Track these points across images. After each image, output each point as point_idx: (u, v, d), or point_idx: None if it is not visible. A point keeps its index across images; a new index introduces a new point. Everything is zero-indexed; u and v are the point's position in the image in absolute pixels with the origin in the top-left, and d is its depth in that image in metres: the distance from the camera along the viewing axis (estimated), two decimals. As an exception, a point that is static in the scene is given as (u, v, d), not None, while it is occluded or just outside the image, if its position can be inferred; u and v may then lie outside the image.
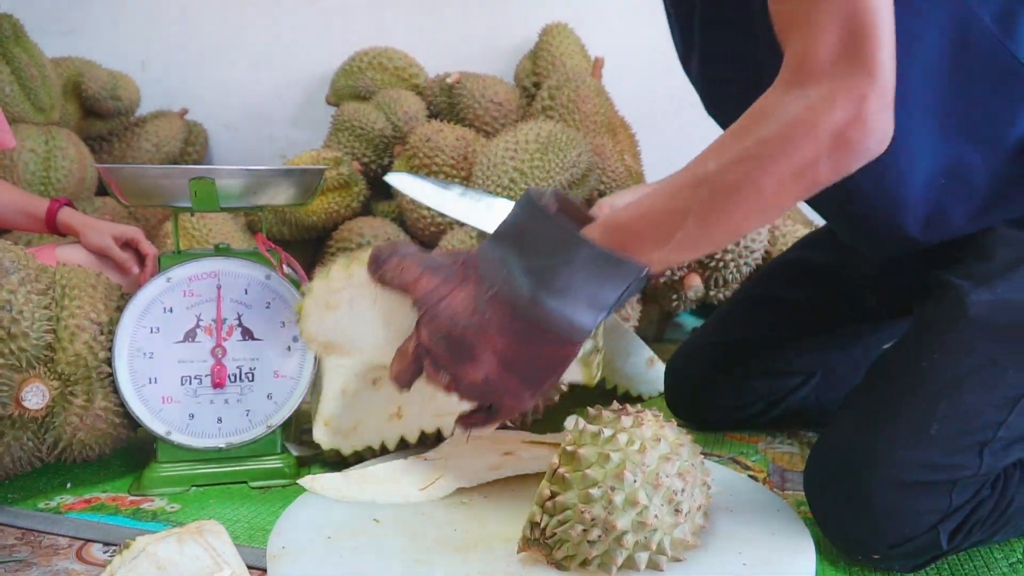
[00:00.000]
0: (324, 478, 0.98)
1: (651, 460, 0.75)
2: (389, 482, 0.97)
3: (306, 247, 2.18)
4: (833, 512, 0.86)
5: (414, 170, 2.02)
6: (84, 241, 1.47)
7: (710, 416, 1.27)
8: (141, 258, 1.50)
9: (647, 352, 1.47)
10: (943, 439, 0.81)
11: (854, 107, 0.68)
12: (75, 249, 1.48)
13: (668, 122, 2.32)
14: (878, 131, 0.69)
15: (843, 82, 0.68)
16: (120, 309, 1.07)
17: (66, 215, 1.50)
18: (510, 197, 1.77)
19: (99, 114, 2.38)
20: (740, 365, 1.22)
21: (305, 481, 0.97)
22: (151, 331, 1.07)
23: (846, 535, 0.85)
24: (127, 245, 1.49)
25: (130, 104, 2.44)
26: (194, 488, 1.08)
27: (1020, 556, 0.88)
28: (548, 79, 2.17)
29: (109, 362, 1.05)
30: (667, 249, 0.73)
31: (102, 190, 2.20)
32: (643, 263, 0.73)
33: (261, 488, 1.09)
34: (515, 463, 1.00)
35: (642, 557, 0.75)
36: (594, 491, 0.74)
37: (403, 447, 1.10)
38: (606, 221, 0.76)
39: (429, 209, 1.98)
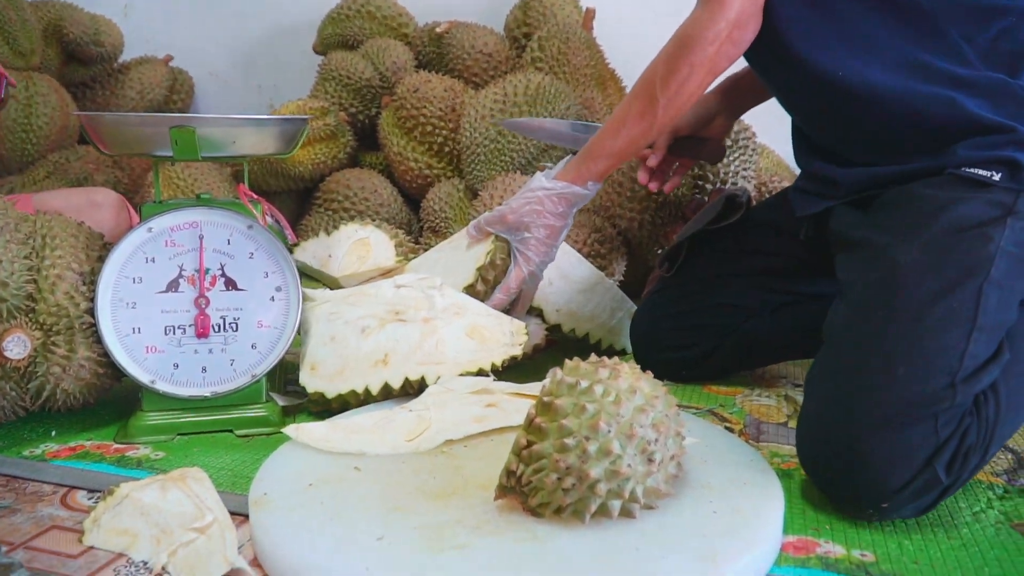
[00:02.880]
0: (309, 427, 0.98)
1: (626, 411, 0.77)
2: (374, 432, 0.98)
3: (293, 198, 2.17)
4: (831, 475, 0.89)
5: (401, 121, 2.01)
6: None
7: (671, 360, 1.30)
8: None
9: (630, 306, 1.48)
10: (912, 377, 0.85)
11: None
12: (53, 195, 1.47)
13: (658, 74, 2.29)
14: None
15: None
16: (102, 259, 1.07)
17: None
18: (497, 149, 1.77)
19: (81, 60, 2.35)
20: (690, 302, 1.30)
21: (290, 429, 0.97)
22: (133, 281, 1.07)
23: (850, 493, 0.87)
24: None
25: (113, 50, 2.41)
26: (179, 436, 1.10)
27: (983, 505, 0.91)
28: (538, 30, 2.15)
29: (91, 312, 1.05)
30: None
31: (85, 138, 2.18)
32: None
33: (246, 436, 1.10)
34: (499, 415, 1.01)
35: (615, 505, 0.76)
36: (569, 441, 0.75)
37: (386, 394, 1.11)
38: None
39: (417, 161, 1.97)
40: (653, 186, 1.37)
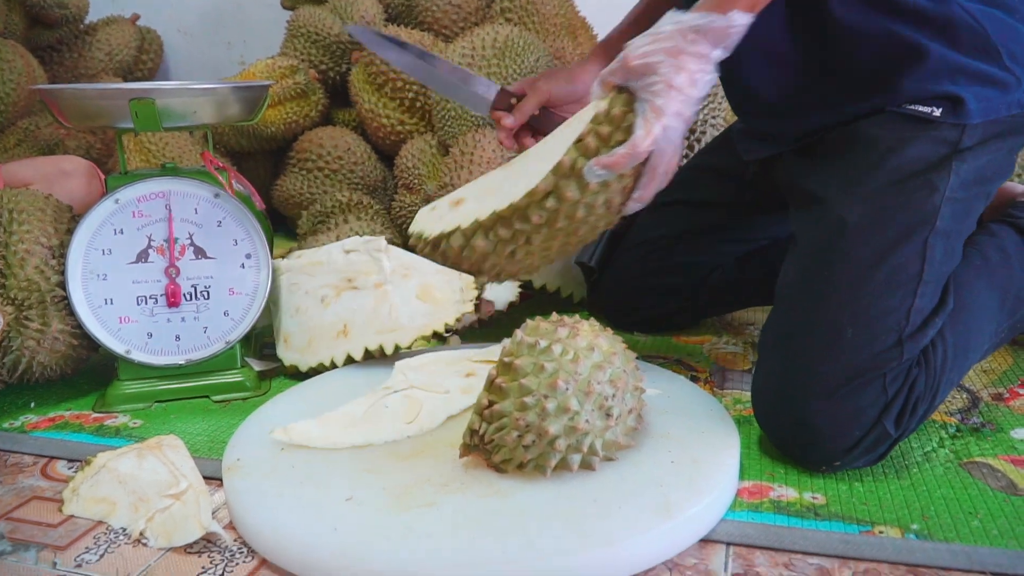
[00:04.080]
0: (300, 428, 0.91)
1: (584, 369, 0.79)
2: (372, 422, 0.94)
3: (266, 158, 2.17)
4: (784, 437, 0.91)
5: (371, 78, 2.00)
6: None
7: (643, 319, 1.33)
8: None
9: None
10: (860, 342, 0.85)
11: None
12: (21, 165, 1.47)
13: (630, 21, 2.28)
14: None
15: None
16: (70, 232, 1.08)
17: None
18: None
19: (46, 23, 2.31)
20: (652, 266, 1.29)
21: (279, 434, 0.90)
22: (103, 253, 1.09)
23: (803, 455, 0.89)
24: None
25: (78, 11, 2.36)
26: (156, 404, 1.12)
27: (935, 445, 0.94)
28: (506, -21, 2.12)
29: (63, 285, 1.07)
30: None
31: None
32: None
33: (222, 402, 1.13)
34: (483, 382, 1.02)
35: (575, 459, 0.79)
36: (528, 399, 0.78)
37: (350, 364, 1.14)
38: None
39: (389, 117, 1.97)
40: (510, 144, 1.20)
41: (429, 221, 0.99)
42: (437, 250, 0.96)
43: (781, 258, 1.04)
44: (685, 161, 1.31)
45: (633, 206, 0.90)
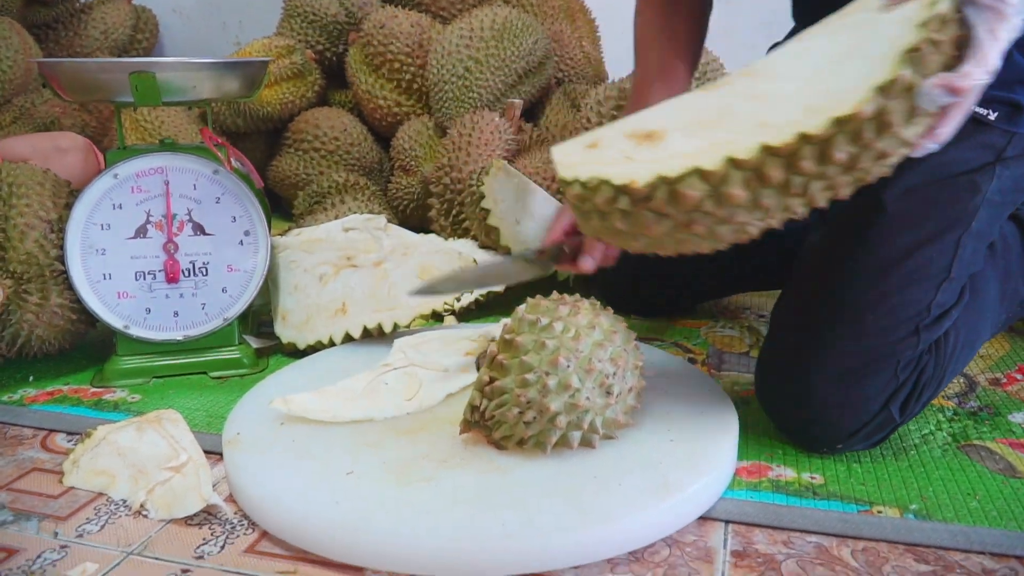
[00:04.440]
0: (299, 400, 0.91)
1: (585, 347, 0.79)
2: (371, 397, 0.94)
3: (263, 138, 2.15)
4: (787, 416, 0.91)
5: (368, 58, 1.99)
6: None
7: (644, 306, 1.33)
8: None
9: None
10: (879, 328, 0.85)
11: None
12: (17, 142, 1.46)
13: (629, 6, 2.27)
14: None
15: None
16: (69, 206, 1.08)
17: None
18: (465, 86, 1.76)
19: (42, 1, 2.29)
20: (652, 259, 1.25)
21: (279, 403, 0.90)
22: (102, 228, 1.08)
23: (805, 435, 0.90)
24: None
25: (74, -11, 2.35)
26: (154, 379, 1.12)
27: (932, 428, 0.95)
28: (505, -39, 2.11)
29: (61, 260, 1.06)
30: None
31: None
32: None
33: (220, 378, 1.12)
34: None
35: (575, 436, 0.80)
36: (529, 376, 0.78)
37: (348, 341, 1.14)
38: None
39: (386, 99, 1.96)
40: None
41: (598, 164, 0.72)
42: (648, 203, 0.69)
43: (779, 247, 1.03)
44: None
45: (924, 149, 0.71)
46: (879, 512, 0.77)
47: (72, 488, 0.84)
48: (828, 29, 0.75)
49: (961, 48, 0.67)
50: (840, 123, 0.63)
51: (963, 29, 0.67)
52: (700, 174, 0.66)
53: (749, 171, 0.65)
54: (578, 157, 0.74)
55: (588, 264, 1.03)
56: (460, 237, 1.48)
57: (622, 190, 0.69)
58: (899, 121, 0.65)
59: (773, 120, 0.66)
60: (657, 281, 1.30)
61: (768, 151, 0.64)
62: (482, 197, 1.36)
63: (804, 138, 0.64)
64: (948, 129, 0.71)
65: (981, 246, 0.91)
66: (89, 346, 1.20)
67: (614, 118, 1.58)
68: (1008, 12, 0.67)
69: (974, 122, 0.88)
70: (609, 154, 0.73)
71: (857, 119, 0.63)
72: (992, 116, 0.89)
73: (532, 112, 1.91)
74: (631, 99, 1.13)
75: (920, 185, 0.87)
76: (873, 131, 0.65)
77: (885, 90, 0.63)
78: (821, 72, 0.69)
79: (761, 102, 0.70)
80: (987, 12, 0.67)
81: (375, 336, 1.13)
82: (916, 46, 0.64)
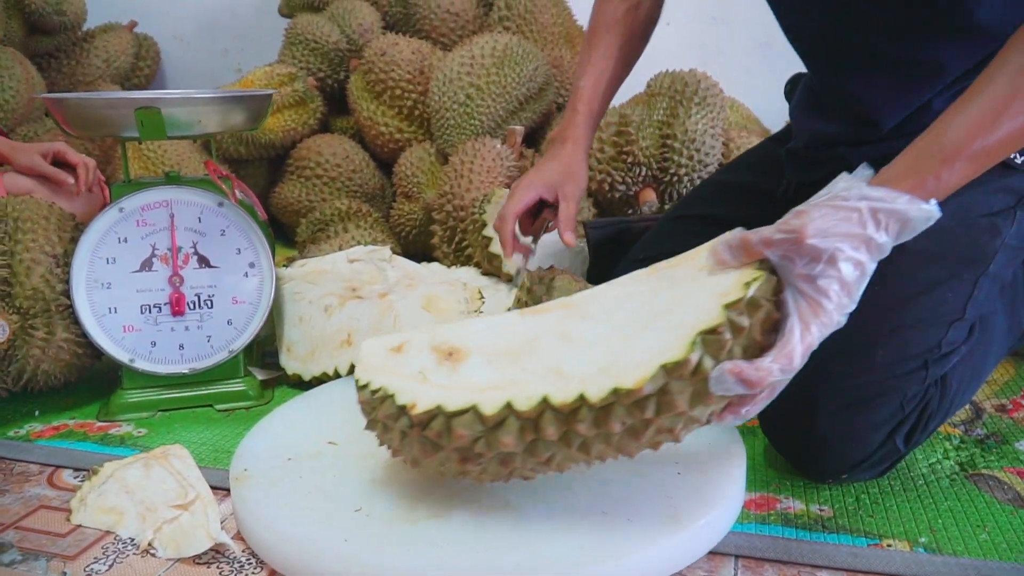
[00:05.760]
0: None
1: None
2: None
3: (264, 166, 2.17)
4: (792, 446, 0.91)
5: (370, 85, 2.00)
6: (15, 165, 1.47)
7: None
8: (73, 170, 1.52)
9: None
10: (888, 362, 0.85)
11: None
12: (23, 176, 1.47)
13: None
14: None
15: None
16: (74, 240, 1.08)
17: None
18: (466, 113, 1.77)
19: (44, 30, 2.31)
20: None
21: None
22: (107, 262, 1.08)
23: (810, 465, 0.89)
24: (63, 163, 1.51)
25: (76, 18, 2.37)
26: (160, 413, 1.12)
27: (939, 456, 0.95)
28: (504, -12, 2.13)
29: (67, 294, 1.06)
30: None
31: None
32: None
33: (226, 411, 1.12)
34: None
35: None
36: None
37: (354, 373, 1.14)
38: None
39: (387, 125, 1.97)
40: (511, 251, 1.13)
41: (393, 375, 0.73)
42: (424, 430, 0.68)
43: None
44: (696, 175, 1.27)
45: (728, 421, 0.69)
46: (889, 545, 0.77)
47: (79, 526, 0.83)
48: (656, 278, 0.75)
49: (776, 332, 0.65)
50: (619, 394, 0.63)
51: (779, 311, 0.66)
52: (477, 414, 0.66)
53: (526, 421, 0.65)
54: (380, 360, 0.75)
55: (573, 239, 1.08)
56: (463, 264, 1.48)
57: (403, 410, 0.69)
58: (683, 402, 0.64)
59: (567, 370, 0.67)
60: None
61: (547, 405, 0.64)
62: (484, 225, 1.36)
63: (583, 400, 0.64)
64: (755, 409, 0.69)
65: (995, 288, 0.91)
66: (94, 379, 1.20)
67: (615, 144, 1.59)
68: (828, 307, 0.65)
69: (1000, 165, 0.86)
70: (408, 366, 0.73)
71: (636, 394, 0.62)
72: (1020, 160, 0.88)
73: (533, 138, 1.92)
74: (573, 91, 1.18)
75: (942, 226, 0.86)
76: (654, 409, 0.64)
77: (671, 371, 0.63)
78: (628, 329, 0.69)
79: (566, 344, 0.70)
80: (806, 302, 0.65)
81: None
82: (715, 328, 0.63)
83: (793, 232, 0.66)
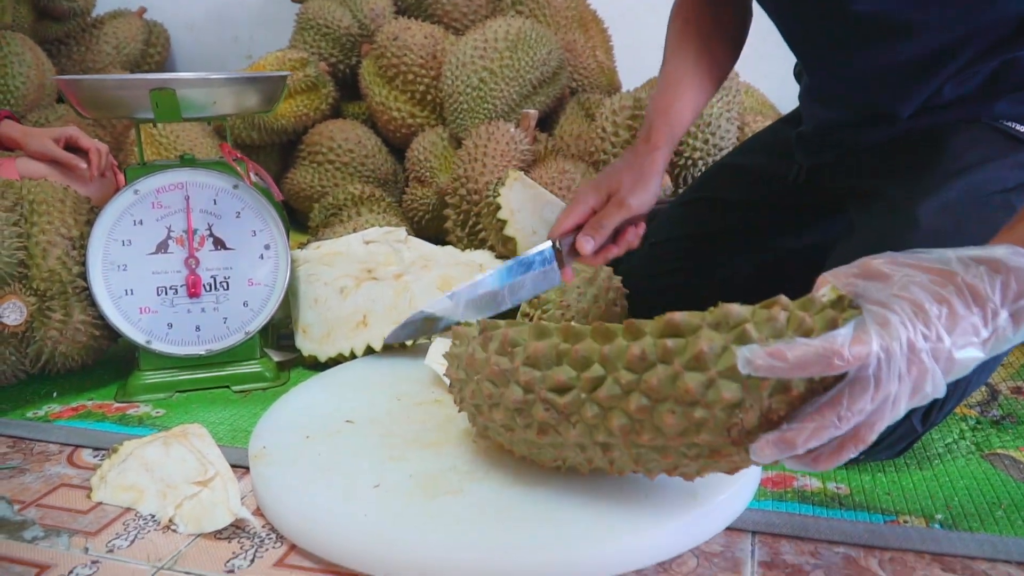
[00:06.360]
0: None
1: None
2: None
3: (277, 151, 2.17)
4: None
5: (382, 70, 2.00)
6: (27, 150, 1.48)
7: (648, 315, 1.31)
8: (85, 155, 1.53)
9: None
10: None
11: None
12: (36, 161, 1.48)
13: (642, 17, 2.28)
14: None
15: None
16: (90, 223, 1.09)
17: (5, 127, 1.50)
18: (480, 97, 1.77)
19: (53, 16, 2.32)
20: (676, 260, 1.25)
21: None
22: (123, 244, 1.09)
23: None
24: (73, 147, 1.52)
25: (85, 4, 2.37)
26: (177, 394, 1.12)
27: (956, 437, 0.94)
28: (517, -28, 2.12)
29: (83, 276, 1.07)
30: None
31: (62, 98, 2.16)
32: None
33: (242, 392, 1.13)
34: None
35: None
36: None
37: (370, 354, 1.14)
38: None
39: (400, 110, 1.97)
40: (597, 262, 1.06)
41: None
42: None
43: (797, 271, 1.02)
44: (711, 159, 1.27)
45: (763, 454, 0.59)
46: (905, 522, 0.77)
47: (100, 503, 0.84)
48: None
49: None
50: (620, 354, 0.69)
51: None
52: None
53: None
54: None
55: (587, 245, 0.98)
56: (477, 248, 1.48)
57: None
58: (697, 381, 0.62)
59: None
60: (667, 297, 1.28)
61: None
62: (498, 208, 1.36)
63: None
64: (828, 463, 0.60)
65: None
66: (111, 361, 1.21)
67: (629, 127, 1.59)
68: (896, 331, 0.56)
69: (1013, 140, 0.88)
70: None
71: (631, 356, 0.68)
72: None
73: (547, 122, 1.92)
74: (652, 100, 1.12)
75: (955, 202, 0.86)
76: (664, 371, 0.66)
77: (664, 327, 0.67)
78: None
79: None
80: (872, 318, 0.57)
81: (396, 348, 1.13)
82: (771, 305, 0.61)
83: (868, 274, 0.63)
